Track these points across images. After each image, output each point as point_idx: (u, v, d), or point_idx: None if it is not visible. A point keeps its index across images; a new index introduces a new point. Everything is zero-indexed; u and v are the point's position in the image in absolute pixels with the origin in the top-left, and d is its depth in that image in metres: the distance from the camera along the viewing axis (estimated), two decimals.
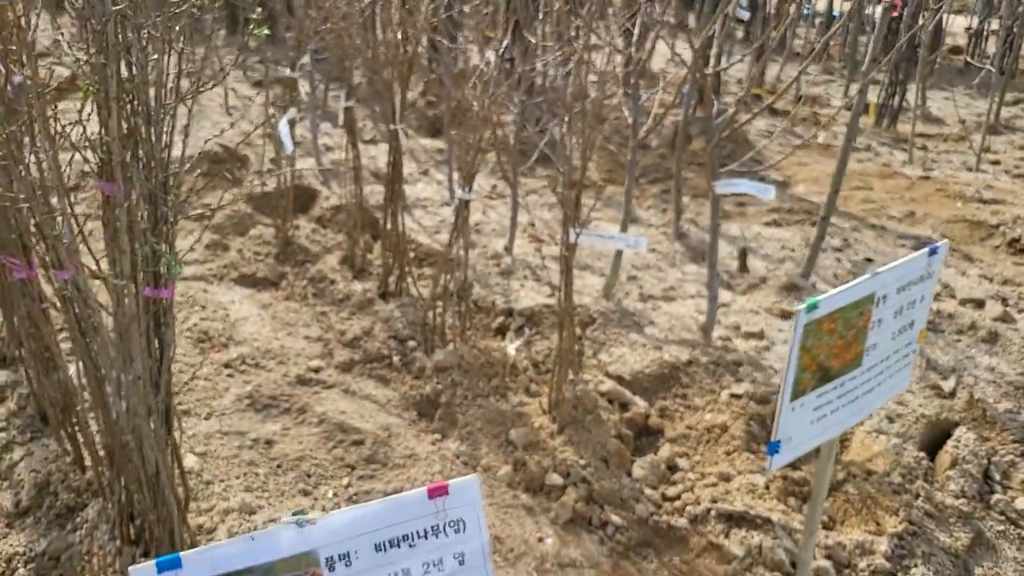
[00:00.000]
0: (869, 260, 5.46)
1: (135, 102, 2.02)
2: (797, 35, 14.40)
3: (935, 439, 3.63)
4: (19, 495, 2.83)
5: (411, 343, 4.03)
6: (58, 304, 2.41)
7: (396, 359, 3.95)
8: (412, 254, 5.05)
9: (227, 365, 3.83)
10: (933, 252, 2.29)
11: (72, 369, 2.91)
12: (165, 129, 2.10)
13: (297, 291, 4.66)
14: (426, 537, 1.60)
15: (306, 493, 3.07)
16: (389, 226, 4.24)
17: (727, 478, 3.21)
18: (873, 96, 9.39)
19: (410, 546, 1.59)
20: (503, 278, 4.72)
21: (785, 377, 1.94)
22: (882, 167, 8.16)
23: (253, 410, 3.51)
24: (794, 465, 3.40)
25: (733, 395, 3.61)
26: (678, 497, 3.19)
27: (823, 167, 7.84)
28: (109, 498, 2.72)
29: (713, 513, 3.05)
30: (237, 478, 3.07)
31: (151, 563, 1.43)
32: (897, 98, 9.36)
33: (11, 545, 2.64)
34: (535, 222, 5.70)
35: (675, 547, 3.04)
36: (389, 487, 3.12)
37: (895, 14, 7.12)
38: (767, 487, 3.17)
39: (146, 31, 1.95)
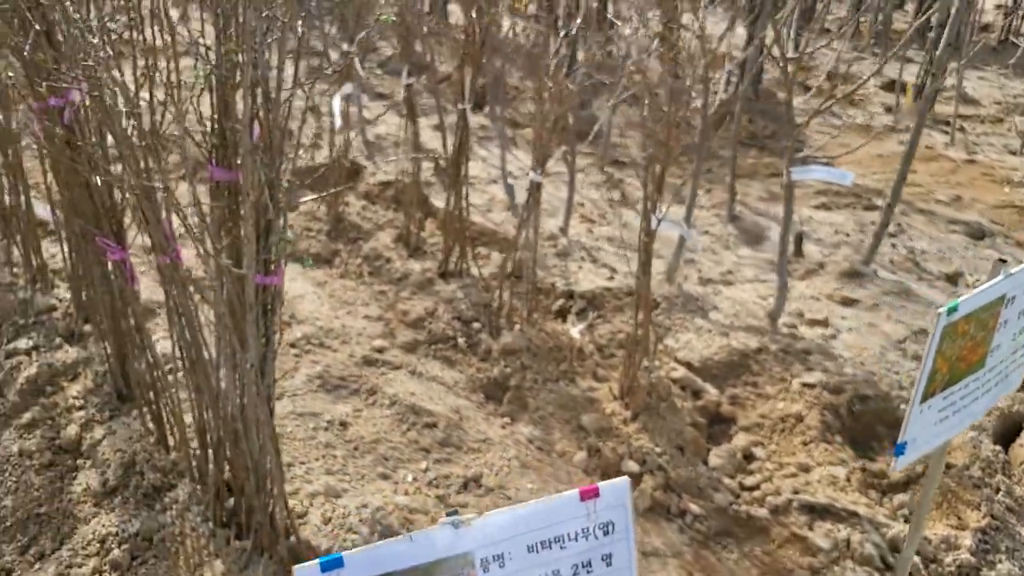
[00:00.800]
0: (1003, 260, 5.33)
1: (257, 88, 1.97)
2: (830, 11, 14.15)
3: (1007, 432, 3.60)
4: (105, 474, 2.82)
5: (475, 325, 4.00)
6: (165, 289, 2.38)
7: (461, 341, 3.92)
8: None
9: (292, 344, 3.81)
10: None
11: (159, 350, 2.89)
12: (283, 115, 2.06)
13: (352, 269, 4.62)
14: (576, 539, 1.58)
15: (386, 477, 3.06)
16: (451, 205, 4.19)
17: (806, 469, 3.19)
18: (901, 75, 9.24)
19: (561, 548, 1.57)
20: (560, 259, 4.67)
21: (919, 379, 1.91)
22: (925, 149, 8.06)
23: (324, 391, 3.49)
24: (870, 457, 3.38)
25: (805, 384, 3.58)
26: (757, 487, 3.17)
27: (866, 148, 7.74)
28: (201, 480, 2.72)
29: (795, 504, 3.03)
30: (316, 460, 3.05)
31: (315, 562, 1.41)
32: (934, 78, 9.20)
33: (103, 525, 2.64)
34: (584, 202, 5.64)
35: (756, 537, 3.03)
36: (468, 472, 3.11)
37: None
38: (848, 479, 3.15)
39: (269, 14, 1.90)
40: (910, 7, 12.94)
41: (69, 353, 3.41)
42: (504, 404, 3.59)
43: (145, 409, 2.93)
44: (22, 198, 3.70)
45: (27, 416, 3.08)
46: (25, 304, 3.74)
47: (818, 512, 3.00)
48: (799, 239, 5.06)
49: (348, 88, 4.76)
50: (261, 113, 1.99)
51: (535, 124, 3.59)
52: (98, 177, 2.44)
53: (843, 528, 2.91)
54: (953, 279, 4.80)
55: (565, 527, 1.57)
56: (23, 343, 3.49)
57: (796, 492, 3.07)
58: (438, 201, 5.14)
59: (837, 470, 3.17)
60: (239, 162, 2.07)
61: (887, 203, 4.60)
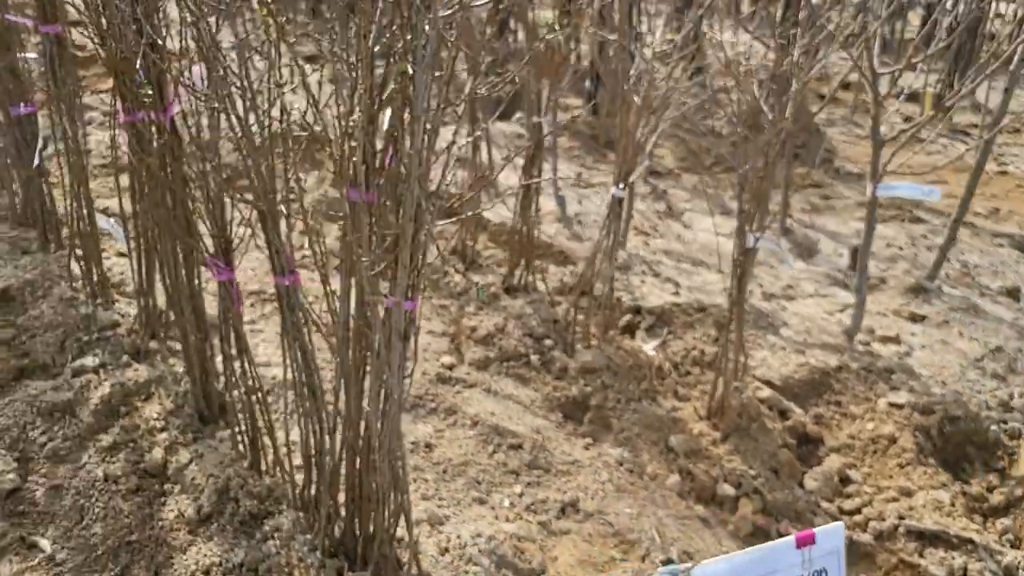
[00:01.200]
0: None
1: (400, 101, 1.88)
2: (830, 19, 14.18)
3: None
4: (198, 500, 2.71)
5: (547, 341, 3.91)
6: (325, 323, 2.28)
7: (534, 358, 3.82)
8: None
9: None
10: None
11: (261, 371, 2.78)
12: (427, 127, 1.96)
13: None
14: None
15: (481, 502, 2.96)
16: (517, 218, 4.10)
17: (908, 493, 3.12)
18: (915, 83, 9.24)
19: None
20: (621, 273, 4.59)
21: None
22: (955, 160, 8.04)
23: (403, 410, 3.39)
24: (964, 479, 3.32)
25: (893, 404, 3.51)
26: (857, 511, 3.09)
27: (896, 158, 7.72)
28: (304, 507, 2.61)
29: (901, 530, 2.96)
30: (410, 484, 2.96)
31: None
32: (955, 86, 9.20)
33: (204, 554, 2.52)
34: (633, 213, 5.57)
35: (861, 563, 2.95)
36: (564, 496, 3.01)
37: None
38: (952, 504, 3.09)
39: (428, 24, 1.80)
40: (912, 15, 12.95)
41: (140, 372, 3.30)
42: (585, 424, 3.50)
43: (237, 433, 2.82)
44: (85, 211, 3.58)
45: (107, 439, 2.96)
46: (88, 319, 3.62)
47: (928, 538, 2.92)
48: (855, 253, 5.00)
49: None
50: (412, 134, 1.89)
51: (618, 137, 3.51)
52: (209, 194, 2.33)
53: (957, 556, 2.84)
54: (1014, 294, 4.76)
55: (780, 574, 1.48)
56: (90, 360, 3.37)
57: (901, 517, 3.00)
58: (487, 213, 5.06)
59: (940, 494, 3.10)
60: (378, 183, 1.98)
61: (954, 218, 4.54)
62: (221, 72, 1.93)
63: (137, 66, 2.39)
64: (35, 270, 3.97)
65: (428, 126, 1.83)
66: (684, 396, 3.63)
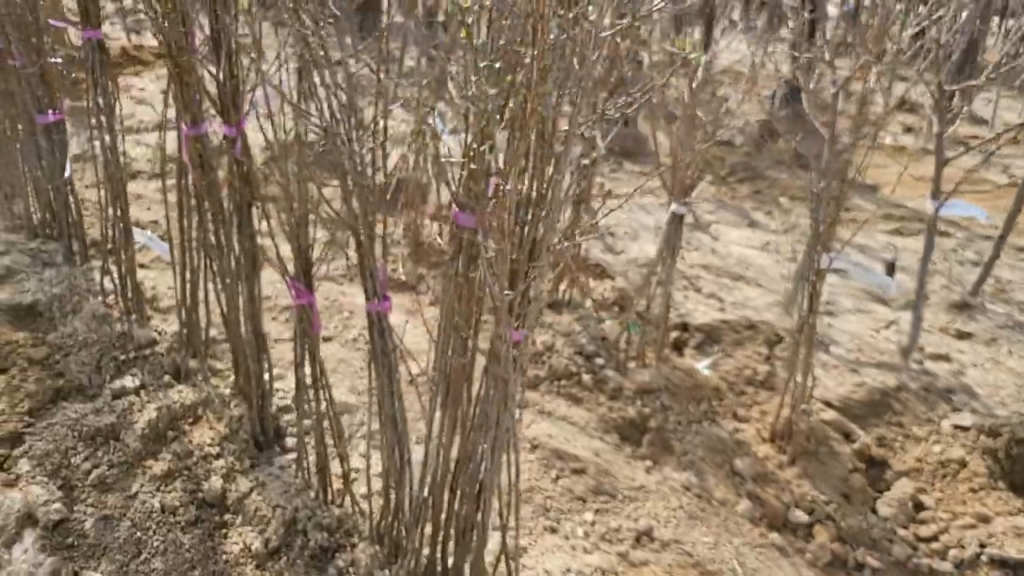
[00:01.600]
0: None
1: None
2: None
3: None
4: (264, 533, 2.56)
5: (598, 360, 3.79)
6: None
7: (586, 377, 3.70)
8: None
9: (410, 382, 3.57)
10: None
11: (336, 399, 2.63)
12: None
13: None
14: None
15: (553, 530, 2.84)
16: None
17: (985, 519, 3.04)
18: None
19: None
20: (662, 288, 4.49)
21: None
22: (964, 172, 8.05)
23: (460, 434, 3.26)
24: None
25: (958, 427, 3.43)
26: (935, 538, 3.00)
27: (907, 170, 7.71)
28: (380, 540, 2.47)
29: (984, 559, 2.88)
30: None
31: None
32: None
33: None
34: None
35: None
36: (636, 524, 2.89)
37: None
38: None
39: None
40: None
41: (184, 393, 3.14)
42: (644, 446, 3.39)
43: (303, 460, 2.68)
44: (121, 225, 3.42)
45: (159, 465, 2.81)
46: (124, 337, 3.46)
47: (1012, 568, 2.84)
48: (891, 268, 4.94)
49: (444, 108, 4.55)
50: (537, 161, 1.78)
51: (675, 152, 3.41)
52: (293, 214, 2.19)
53: None
54: None
55: None
56: (129, 381, 3.21)
57: (983, 545, 2.92)
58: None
59: (1019, 520, 3.02)
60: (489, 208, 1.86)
61: (1000, 234, 4.50)
62: (334, 91, 1.80)
63: (212, 75, 2.25)
64: (61, 284, 3.80)
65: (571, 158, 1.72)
66: (743, 417, 3.53)
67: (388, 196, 2.00)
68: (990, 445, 3.33)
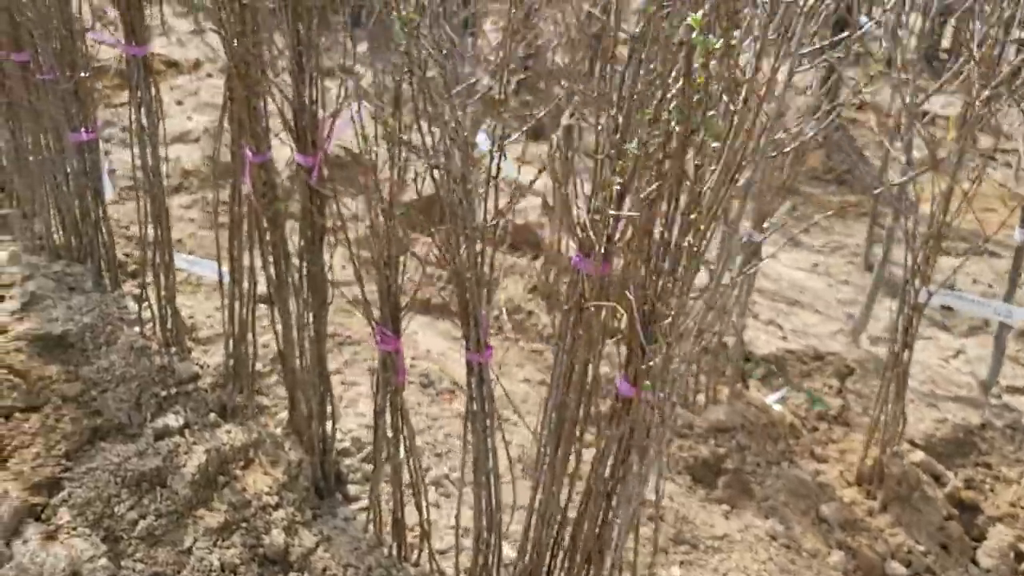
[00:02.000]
0: None
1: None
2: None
3: None
4: None
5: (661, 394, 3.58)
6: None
7: None
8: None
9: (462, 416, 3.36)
10: None
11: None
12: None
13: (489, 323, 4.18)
14: None
15: None
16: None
17: None
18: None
19: None
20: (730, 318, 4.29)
21: None
22: (998, 187, 7.89)
23: (528, 476, 3.05)
24: None
25: None
26: None
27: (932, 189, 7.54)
28: None
29: None
30: None
31: None
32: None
33: None
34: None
35: None
36: None
37: None
38: None
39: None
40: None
41: (233, 434, 2.91)
42: (720, 488, 3.17)
43: (373, 513, 2.47)
44: (162, 247, 3.21)
45: (213, 517, 2.58)
46: (164, 371, 3.23)
47: None
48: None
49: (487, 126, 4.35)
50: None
51: (757, 177, 3.21)
52: (384, 253, 1.99)
53: None
54: None
55: None
56: (172, 420, 2.98)
57: None
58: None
59: None
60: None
61: None
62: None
63: (288, 100, 2.05)
64: (92, 312, 3.57)
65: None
66: (822, 457, 3.33)
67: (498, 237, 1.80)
68: None
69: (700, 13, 1.17)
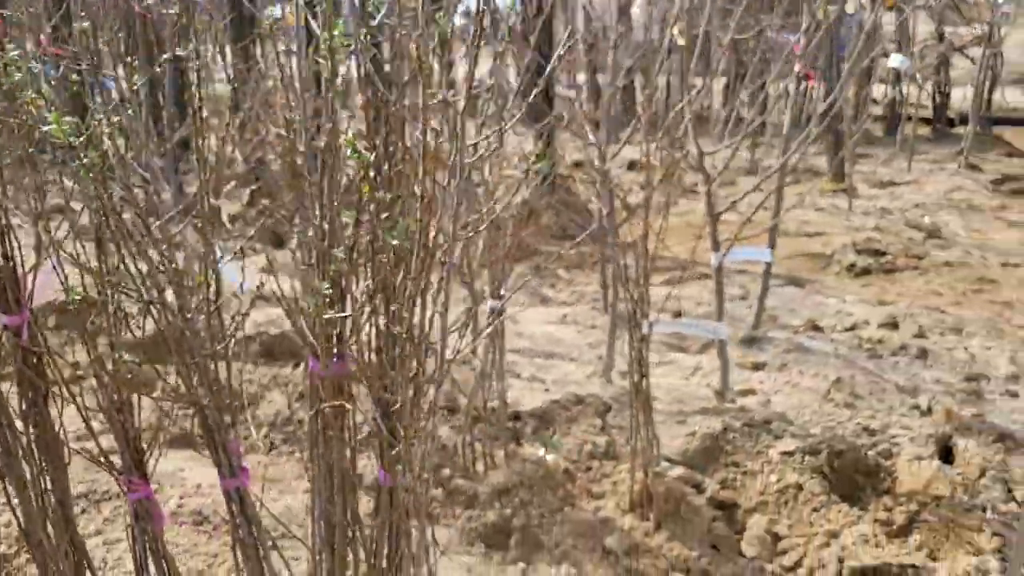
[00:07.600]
0: None
1: None
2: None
3: (941, 454, 3.96)
4: None
5: (444, 471, 3.65)
6: None
7: (436, 492, 3.55)
8: None
9: None
10: None
11: None
12: None
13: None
14: None
15: None
16: None
17: (834, 535, 3.25)
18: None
19: None
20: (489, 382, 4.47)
21: None
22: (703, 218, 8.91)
23: None
24: (864, 508, 3.53)
25: (784, 453, 3.68)
26: (798, 565, 3.16)
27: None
28: None
29: (845, 572, 3.07)
30: None
31: None
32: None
33: None
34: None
35: None
36: None
37: (810, 84, 7.68)
38: (874, 535, 3.26)
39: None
40: None
41: None
42: (513, 549, 3.28)
43: None
44: None
45: None
46: None
47: (870, 573, 3.06)
48: (677, 315, 5.31)
49: None
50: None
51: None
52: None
53: None
54: (819, 327, 5.31)
55: None
56: None
57: (841, 560, 3.12)
58: None
59: (862, 527, 3.27)
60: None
61: (765, 269, 4.99)
62: None
63: None
64: None
65: None
66: (598, 493, 3.56)
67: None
68: (815, 463, 3.61)
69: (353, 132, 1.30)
